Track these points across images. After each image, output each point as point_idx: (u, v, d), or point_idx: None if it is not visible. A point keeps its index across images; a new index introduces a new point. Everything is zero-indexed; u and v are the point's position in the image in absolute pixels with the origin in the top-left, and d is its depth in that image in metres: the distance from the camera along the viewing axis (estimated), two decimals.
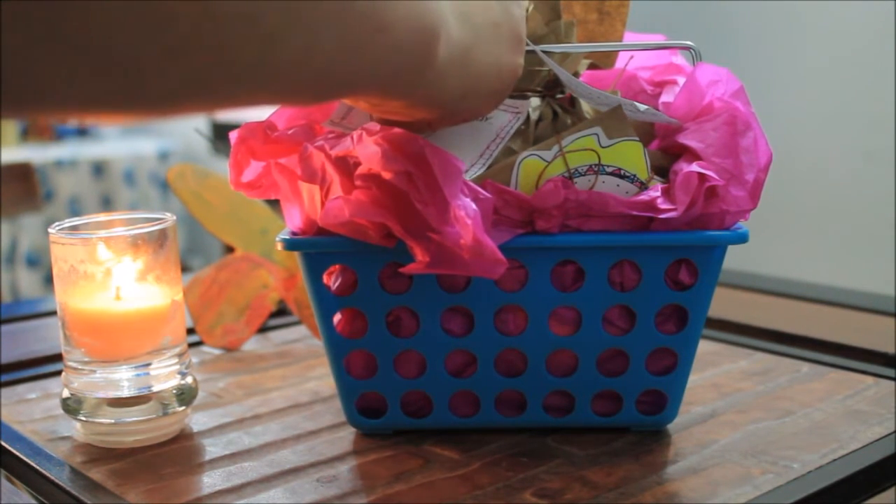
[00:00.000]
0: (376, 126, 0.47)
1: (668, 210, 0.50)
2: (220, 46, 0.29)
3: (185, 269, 0.64)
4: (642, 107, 0.52)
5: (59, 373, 0.63)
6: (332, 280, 0.54)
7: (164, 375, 0.58)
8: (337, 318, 0.55)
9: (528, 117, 0.55)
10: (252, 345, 0.77)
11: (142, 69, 0.28)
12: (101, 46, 0.26)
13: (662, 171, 0.53)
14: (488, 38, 0.43)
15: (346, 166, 0.49)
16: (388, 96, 0.41)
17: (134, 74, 0.28)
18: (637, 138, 0.51)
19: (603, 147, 0.51)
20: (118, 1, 0.26)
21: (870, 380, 0.65)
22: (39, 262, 2.83)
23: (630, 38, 0.60)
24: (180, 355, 0.59)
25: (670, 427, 0.58)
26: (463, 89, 0.43)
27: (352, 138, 0.49)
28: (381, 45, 0.35)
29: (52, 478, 0.53)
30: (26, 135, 3.16)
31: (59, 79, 0.26)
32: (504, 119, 0.53)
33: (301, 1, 0.31)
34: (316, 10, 0.32)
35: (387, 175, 0.46)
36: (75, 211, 2.93)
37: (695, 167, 0.50)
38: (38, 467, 0.55)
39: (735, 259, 0.63)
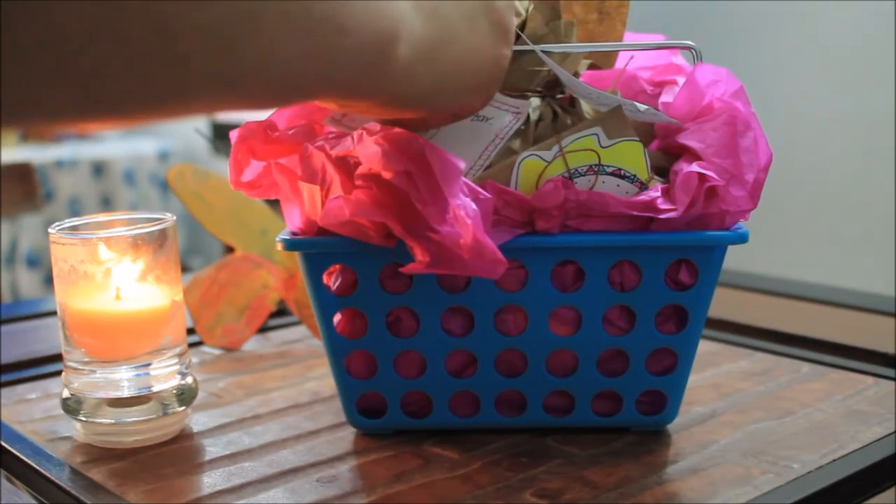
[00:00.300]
0: (377, 126, 0.47)
1: (668, 210, 0.50)
2: (176, 57, 0.29)
3: (185, 269, 0.64)
4: (642, 107, 0.52)
5: (59, 373, 0.63)
6: (332, 280, 0.54)
7: (164, 375, 0.58)
8: (337, 318, 0.55)
9: (528, 117, 0.55)
10: (252, 345, 0.77)
11: (99, 80, 0.28)
12: (56, 57, 0.27)
13: (662, 171, 0.53)
14: (464, 32, 0.42)
15: (346, 166, 0.49)
16: (352, 98, 0.41)
17: (91, 85, 0.28)
18: (637, 138, 0.51)
19: (603, 147, 0.51)
20: (73, 10, 0.26)
21: (870, 380, 0.65)
22: (39, 262, 2.83)
23: (630, 38, 0.60)
24: (180, 355, 0.59)
25: (670, 427, 0.58)
26: (435, 84, 0.42)
27: (352, 138, 0.49)
28: (339, 51, 0.35)
29: (52, 478, 0.53)
30: (26, 135, 3.16)
31: (56, 84, 0.27)
32: (504, 120, 0.53)
33: (259, 10, 0.31)
34: (273, 19, 0.32)
35: (387, 175, 0.46)
36: (75, 211, 2.93)
37: (695, 167, 0.50)
38: (38, 467, 0.55)
39: (735, 259, 0.63)
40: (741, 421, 0.58)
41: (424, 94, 0.42)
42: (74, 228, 0.58)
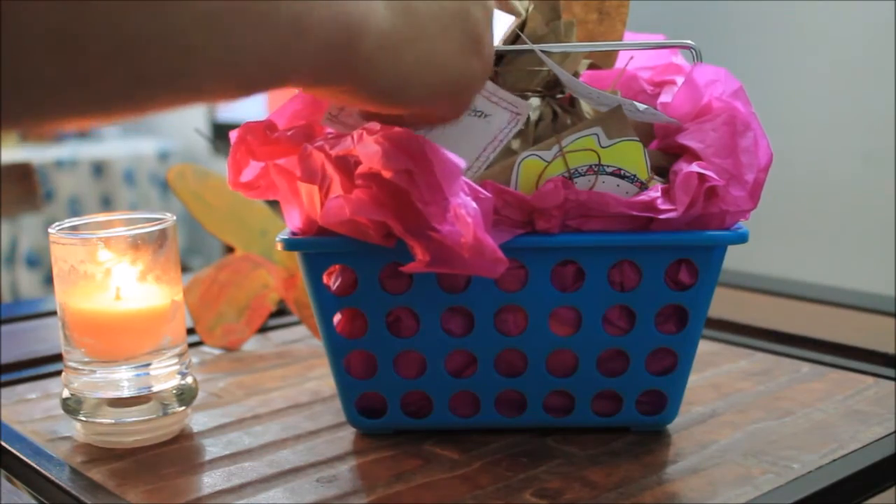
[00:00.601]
0: (377, 125, 0.47)
1: (668, 210, 0.50)
2: (137, 62, 0.30)
3: (185, 269, 0.64)
4: (642, 106, 0.52)
5: (59, 373, 0.63)
6: (332, 280, 0.54)
7: (164, 375, 0.58)
8: (337, 318, 0.55)
9: (528, 117, 0.55)
10: (252, 345, 0.77)
11: (99, 76, 0.29)
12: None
13: (662, 171, 0.53)
14: (432, 33, 0.43)
15: (346, 165, 0.49)
16: (317, 86, 0.42)
17: (92, 83, 0.29)
18: (637, 138, 0.51)
19: (603, 147, 0.51)
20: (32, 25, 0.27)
21: (870, 380, 0.65)
22: (39, 262, 2.82)
23: (630, 38, 0.60)
24: (180, 355, 0.59)
25: (670, 427, 0.58)
26: (399, 79, 0.43)
27: (352, 138, 0.49)
28: (301, 48, 0.37)
29: (52, 478, 0.53)
30: (26, 135, 3.16)
31: (55, 80, 0.27)
32: (503, 119, 0.52)
33: (220, 14, 0.32)
34: (235, 22, 0.33)
35: (387, 174, 0.46)
36: (75, 211, 2.93)
37: (695, 167, 0.50)
38: (38, 467, 0.55)
39: (735, 259, 0.63)
40: (741, 421, 0.58)
41: (389, 87, 0.43)
42: (74, 228, 0.58)
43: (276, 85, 0.39)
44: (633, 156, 0.51)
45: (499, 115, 0.52)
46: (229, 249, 0.79)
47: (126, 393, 0.57)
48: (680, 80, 0.57)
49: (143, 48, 0.30)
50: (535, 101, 0.55)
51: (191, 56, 0.32)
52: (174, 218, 0.59)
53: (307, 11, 0.36)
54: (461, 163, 0.46)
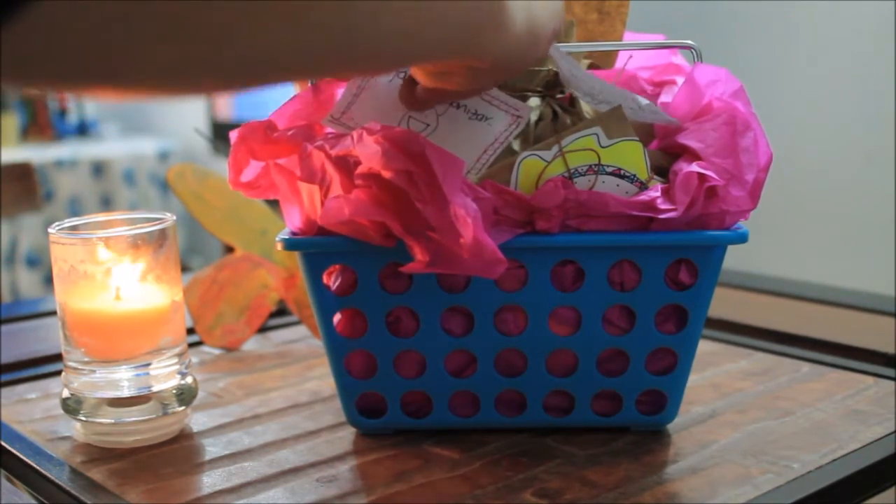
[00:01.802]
0: (377, 125, 0.47)
1: (668, 210, 0.50)
2: (290, 13, 0.30)
3: (185, 269, 0.64)
4: (644, 102, 0.52)
5: (59, 373, 0.63)
6: (332, 280, 0.54)
7: (164, 375, 0.58)
8: (337, 318, 0.55)
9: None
10: (252, 345, 0.77)
11: (218, 41, 0.29)
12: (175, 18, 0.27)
13: (662, 171, 0.53)
14: None
15: (346, 165, 0.49)
16: (462, 56, 0.42)
17: (212, 47, 0.29)
18: (637, 138, 0.51)
19: (603, 147, 0.51)
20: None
21: (870, 380, 0.65)
22: (39, 262, 2.82)
23: (630, 37, 0.60)
24: (180, 355, 0.59)
25: (670, 427, 0.58)
26: (532, 40, 0.44)
27: (352, 138, 0.49)
28: (452, 3, 0.37)
29: (52, 478, 0.53)
30: (26, 135, 3.16)
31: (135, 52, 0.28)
32: (504, 121, 0.53)
33: None
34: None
35: (387, 174, 0.46)
36: (75, 211, 2.93)
37: (695, 167, 0.50)
38: (38, 467, 0.55)
39: (735, 259, 0.63)
40: (741, 421, 0.58)
41: (525, 53, 0.44)
42: (74, 228, 0.58)
43: (417, 58, 0.41)
44: (633, 156, 0.51)
45: (499, 117, 0.53)
46: (229, 249, 0.79)
47: (126, 393, 0.57)
48: (680, 80, 0.57)
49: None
50: (535, 101, 0.55)
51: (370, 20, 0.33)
52: (174, 218, 0.59)
53: None
54: (461, 163, 0.46)
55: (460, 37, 0.40)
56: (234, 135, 0.53)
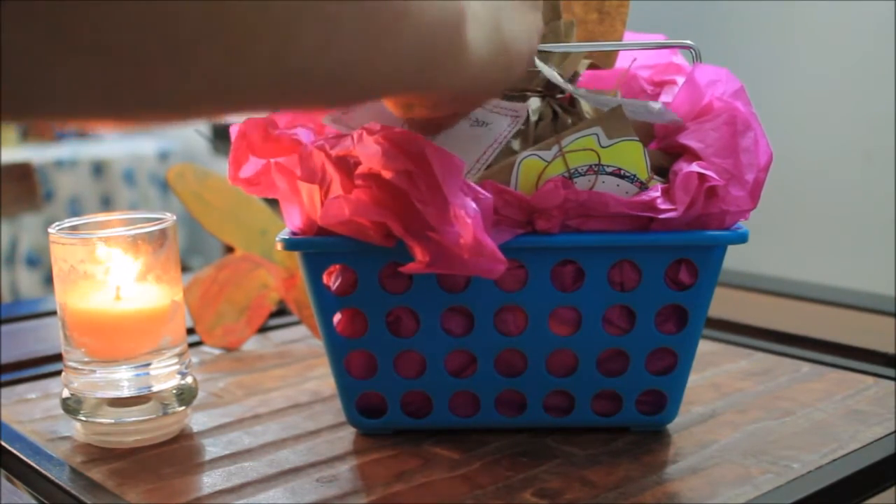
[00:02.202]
0: (377, 125, 0.47)
1: (668, 210, 0.50)
2: (228, 47, 0.28)
3: (185, 269, 0.64)
4: (656, 105, 0.51)
5: (59, 373, 0.63)
6: (332, 280, 0.54)
7: (164, 375, 0.58)
8: (337, 318, 0.55)
9: (527, 117, 0.55)
10: (252, 345, 0.77)
11: (149, 71, 0.27)
12: (102, 45, 0.25)
13: (662, 171, 0.53)
14: (511, 7, 0.42)
15: (346, 166, 0.49)
16: (419, 90, 0.40)
17: (140, 76, 0.27)
18: (637, 138, 0.51)
19: (603, 147, 0.51)
20: (120, 1, 0.25)
21: (870, 380, 0.65)
22: (39, 262, 2.82)
23: (630, 37, 0.60)
24: (180, 355, 0.59)
25: (670, 427, 0.58)
26: (503, 64, 0.41)
27: (352, 138, 0.49)
28: (403, 35, 0.33)
29: (52, 478, 0.53)
30: (26, 135, 3.16)
31: (61, 79, 0.26)
32: (503, 124, 0.53)
33: (304, 8, 0.29)
34: (330, 2, 0.30)
35: (387, 174, 0.46)
36: (75, 211, 2.93)
37: (695, 167, 0.50)
38: (38, 467, 0.55)
39: (735, 259, 0.63)
40: (741, 421, 0.58)
41: (495, 79, 0.41)
42: (74, 228, 0.58)
43: (364, 93, 0.36)
44: (633, 156, 0.51)
45: (498, 121, 0.53)
46: (229, 249, 0.79)
47: (126, 393, 0.57)
48: (680, 79, 0.57)
49: (238, 27, 0.27)
50: (535, 101, 0.55)
51: (286, 43, 0.29)
52: (174, 218, 0.59)
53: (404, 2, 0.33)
54: (461, 163, 0.46)
55: (414, 71, 0.36)
56: (234, 130, 0.53)
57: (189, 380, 0.59)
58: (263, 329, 0.80)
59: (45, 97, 0.26)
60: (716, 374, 0.67)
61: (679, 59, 0.60)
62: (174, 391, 0.58)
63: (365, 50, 0.32)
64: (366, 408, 0.57)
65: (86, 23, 0.25)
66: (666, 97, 0.57)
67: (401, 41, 0.33)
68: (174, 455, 0.56)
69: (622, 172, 0.51)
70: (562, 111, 0.56)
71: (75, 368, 0.57)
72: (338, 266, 0.54)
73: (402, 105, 0.45)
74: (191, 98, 0.29)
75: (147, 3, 0.26)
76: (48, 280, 2.74)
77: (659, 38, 0.60)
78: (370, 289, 0.53)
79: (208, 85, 0.28)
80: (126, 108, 0.28)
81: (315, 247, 0.53)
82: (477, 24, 0.38)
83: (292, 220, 0.54)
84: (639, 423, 0.57)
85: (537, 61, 0.52)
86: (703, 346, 0.71)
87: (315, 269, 0.54)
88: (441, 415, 0.56)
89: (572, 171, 0.51)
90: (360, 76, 0.33)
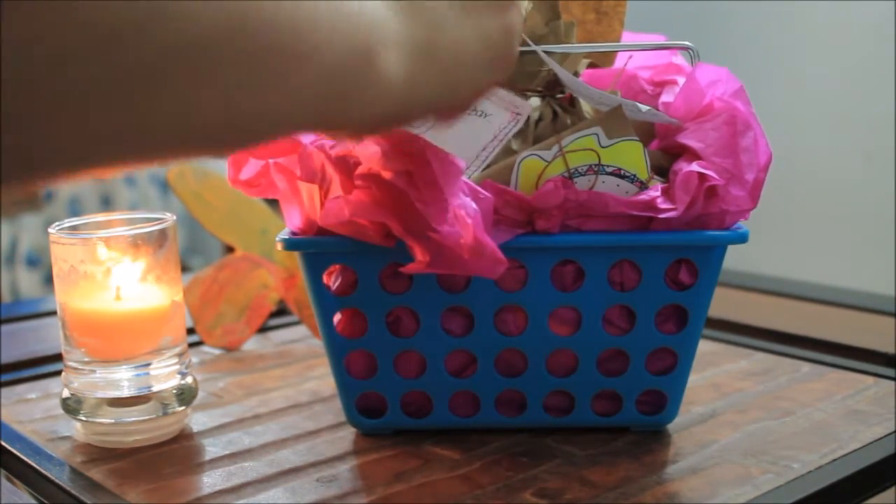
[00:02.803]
0: None
1: (668, 210, 0.50)
2: (126, 107, 0.27)
3: (185, 269, 0.64)
4: (644, 108, 0.52)
5: (59, 373, 0.63)
6: (332, 280, 0.54)
7: (164, 375, 0.58)
8: (337, 318, 0.55)
9: (528, 117, 0.55)
10: (252, 345, 0.77)
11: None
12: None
13: (662, 171, 0.53)
14: (455, 16, 0.38)
15: (345, 166, 0.49)
16: (335, 125, 0.37)
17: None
18: (637, 138, 0.51)
19: (603, 147, 0.51)
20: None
21: (870, 380, 0.65)
22: (39, 262, 2.82)
23: (629, 38, 0.60)
24: (180, 355, 0.59)
25: (670, 427, 0.58)
26: (445, 82, 0.38)
27: None
28: (303, 76, 0.31)
29: (52, 478, 0.53)
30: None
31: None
32: (504, 118, 0.52)
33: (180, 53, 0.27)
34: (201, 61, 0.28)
35: (387, 174, 0.46)
36: (75, 211, 2.92)
37: (695, 167, 0.50)
38: (38, 467, 0.55)
39: (735, 259, 0.63)
40: (741, 421, 0.58)
41: (435, 95, 0.38)
42: (74, 228, 0.58)
43: (268, 134, 0.34)
44: (633, 156, 0.51)
45: (499, 114, 0.52)
46: (229, 249, 0.79)
47: (126, 393, 0.57)
48: (680, 79, 0.57)
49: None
50: (535, 101, 0.55)
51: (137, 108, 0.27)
52: (174, 218, 0.59)
53: (299, 36, 0.30)
54: (461, 164, 0.46)
55: (323, 110, 0.34)
56: None
57: (189, 380, 0.59)
58: (263, 329, 0.80)
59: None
60: (716, 374, 0.67)
61: (679, 59, 0.60)
62: (174, 391, 0.58)
63: (262, 99, 0.31)
64: (366, 408, 0.57)
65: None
66: (666, 97, 0.57)
67: (301, 82, 0.32)
68: (174, 455, 0.56)
69: (622, 172, 0.51)
70: (562, 111, 0.56)
71: (75, 368, 0.57)
72: (338, 266, 0.54)
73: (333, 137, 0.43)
74: (87, 151, 0.28)
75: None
76: (48, 280, 2.74)
77: (658, 39, 0.60)
78: (370, 289, 0.53)
79: (105, 143, 0.28)
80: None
81: (315, 247, 0.53)
82: (393, 47, 0.35)
83: (292, 220, 0.54)
84: (639, 423, 0.57)
85: (545, 58, 0.51)
86: (703, 346, 0.71)
87: (315, 269, 0.54)
88: (441, 415, 0.56)
89: (572, 170, 0.51)
90: (265, 123, 0.32)
